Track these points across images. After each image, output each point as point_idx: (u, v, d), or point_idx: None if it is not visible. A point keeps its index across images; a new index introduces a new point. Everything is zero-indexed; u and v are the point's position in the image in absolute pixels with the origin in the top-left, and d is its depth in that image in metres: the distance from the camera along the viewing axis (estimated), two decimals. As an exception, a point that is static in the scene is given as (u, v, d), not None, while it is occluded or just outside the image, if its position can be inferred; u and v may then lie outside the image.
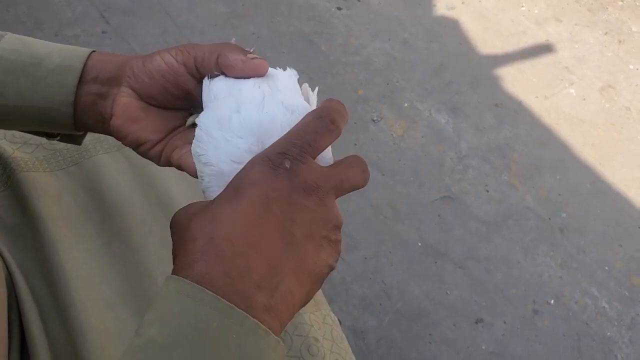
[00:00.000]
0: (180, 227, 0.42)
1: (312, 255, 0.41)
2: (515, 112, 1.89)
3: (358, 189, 0.45)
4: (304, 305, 0.42)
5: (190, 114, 0.53)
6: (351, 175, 0.44)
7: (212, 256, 0.38)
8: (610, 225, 1.67)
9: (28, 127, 0.55)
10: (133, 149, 0.54)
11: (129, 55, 0.53)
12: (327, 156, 0.45)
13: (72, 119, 0.52)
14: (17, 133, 0.75)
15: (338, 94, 1.88)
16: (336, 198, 0.43)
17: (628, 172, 1.77)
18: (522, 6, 2.19)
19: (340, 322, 1.46)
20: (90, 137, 0.77)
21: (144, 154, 0.54)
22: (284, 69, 0.50)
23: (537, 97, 1.93)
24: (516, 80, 1.97)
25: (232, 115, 0.45)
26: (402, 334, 1.47)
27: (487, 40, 2.09)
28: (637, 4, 2.21)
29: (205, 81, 0.49)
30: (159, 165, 0.54)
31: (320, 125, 0.43)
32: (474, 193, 1.71)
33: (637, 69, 2.02)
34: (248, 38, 2.01)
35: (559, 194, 1.72)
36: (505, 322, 1.49)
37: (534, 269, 1.58)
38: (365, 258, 1.57)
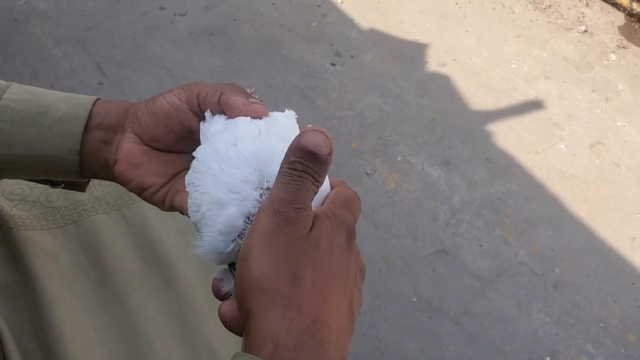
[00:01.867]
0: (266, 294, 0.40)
1: (355, 299, 0.45)
2: (507, 167, 1.92)
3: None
4: None
5: (194, 158, 0.51)
6: (355, 207, 0.48)
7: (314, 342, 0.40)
8: (604, 280, 1.67)
9: (34, 176, 0.56)
10: (137, 195, 0.54)
11: (130, 101, 0.56)
12: (325, 187, 0.47)
13: (78, 166, 0.53)
14: (15, 189, 0.74)
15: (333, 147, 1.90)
16: None
17: (619, 227, 1.78)
18: (512, 64, 2.24)
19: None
20: (88, 196, 0.77)
21: (148, 199, 0.54)
22: (283, 111, 0.53)
23: (528, 152, 1.96)
24: (507, 136, 2.00)
25: (229, 148, 0.46)
26: (397, 391, 1.44)
27: (478, 96, 2.13)
28: (622, 63, 2.27)
29: (202, 125, 0.51)
30: (163, 210, 0.54)
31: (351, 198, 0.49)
32: (468, 247, 1.71)
33: (625, 126, 2.06)
34: (243, 91, 2.03)
35: (552, 249, 1.72)
36: (501, 380, 1.47)
37: (528, 325, 1.57)
38: (360, 313, 1.55)
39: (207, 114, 0.50)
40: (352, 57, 2.21)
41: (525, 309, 1.60)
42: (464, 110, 2.08)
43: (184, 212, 0.51)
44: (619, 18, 2.41)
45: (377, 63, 2.20)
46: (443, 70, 2.20)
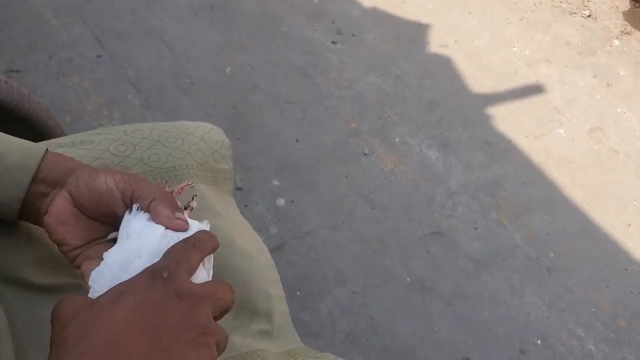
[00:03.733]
0: (60, 323, 0.45)
1: (179, 356, 0.44)
2: (505, 150, 1.91)
3: (230, 306, 0.50)
4: None
5: (113, 231, 0.59)
6: (219, 289, 0.50)
7: (76, 355, 0.41)
8: (598, 266, 1.67)
9: None
10: (56, 245, 0.58)
11: (78, 161, 0.61)
12: (201, 275, 0.52)
13: (18, 212, 0.59)
14: None
15: (331, 126, 1.89)
16: (214, 314, 0.48)
17: (615, 214, 1.79)
18: (514, 47, 2.22)
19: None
20: None
21: (63, 253, 0.58)
22: (202, 221, 0.58)
23: (526, 136, 1.95)
24: (506, 119, 1.99)
25: (135, 260, 0.51)
26: (388, 370, 1.45)
27: (478, 78, 2.11)
28: (625, 49, 2.25)
29: (126, 216, 0.56)
30: (72, 266, 0.58)
31: (186, 246, 0.51)
32: (463, 230, 1.71)
33: (625, 113, 2.05)
34: (243, 68, 2.02)
35: (547, 234, 1.72)
36: (492, 362, 1.48)
37: (521, 308, 1.58)
38: (353, 292, 1.56)
39: (134, 206, 0.56)
40: (353, 35, 2.19)
41: (518, 292, 1.61)
42: (463, 93, 2.07)
43: (83, 279, 0.55)
44: (624, 3, 2.39)
45: (378, 42, 2.18)
46: (444, 51, 2.18)
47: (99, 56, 1.99)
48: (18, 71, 1.91)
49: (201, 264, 0.52)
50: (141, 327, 0.43)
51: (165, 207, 0.55)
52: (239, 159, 1.76)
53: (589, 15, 2.36)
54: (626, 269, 1.68)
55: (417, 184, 1.80)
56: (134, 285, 0.46)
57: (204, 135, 0.87)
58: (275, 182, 1.75)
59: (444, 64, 2.15)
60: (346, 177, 1.78)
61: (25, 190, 0.57)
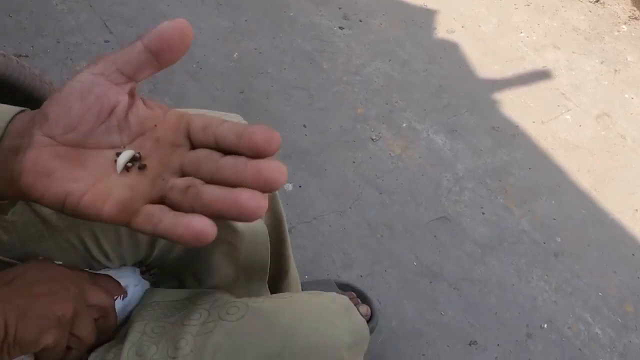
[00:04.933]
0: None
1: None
2: (512, 136, 1.91)
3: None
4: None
5: (118, 154, 0.45)
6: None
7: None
8: (605, 251, 1.68)
9: None
10: (61, 211, 0.43)
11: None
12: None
13: None
14: None
15: (338, 111, 1.89)
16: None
17: (622, 199, 1.79)
18: (521, 32, 2.22)
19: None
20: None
21: (76, 212, 0.43)
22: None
23: (534, 122, 1.95)
24: (514, 105, 1.99)
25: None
26: (395, 354, 1.46)
27: (485, 64, 2.11)
28: (633, 34, 2.25)
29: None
30: (101, 219, 0.43)
31: None
32: (470, 215, 1.72)
33: (632, 98, 2.05)
34: (250, 53, 2.02)
35: (554, 219, 1.73)
36: (498, 345, 1.49)
37: (528, 293, 1.59)
38: (361, 276, 1.57)
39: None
40: (360, 21, 2.19)
41: (524, 277, 1.61)
42: (470, 78, 2.07)
43: (141, 228, 0.42)
44: (632, -12, 2.38)
45: (385, 28, 2.18)
46: (451, 37, 2.18)
47: (106, 41, 1.99)
48: (26, 56, 1.92)
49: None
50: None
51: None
52: (247, 144, 1.77)
53: (597, 1, 2.35)
54: (633, 254, 1.68)
55: (424, 169, 1.80)
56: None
57: None
58: (283, 167, 1.76)
59: (451, 50, 2.14)
60: (353, 162, 1.78)
61: None
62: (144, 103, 0.46)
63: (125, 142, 0.45)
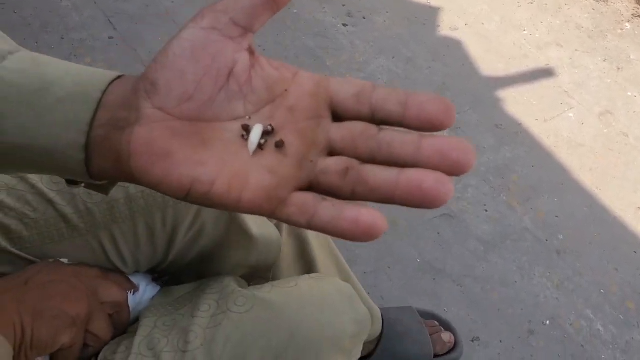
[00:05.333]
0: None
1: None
2: (515, 133, 1.92)
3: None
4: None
5: (246, 129, 0.37)
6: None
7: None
8: (607, 249, 1.69)
9: (36, 172, 0.42)
10: (184, 199, 0.36)
11: None
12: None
13: (84, 165, 0.38)
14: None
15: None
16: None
17: (625, 197, 1.80)
18: (524, 30, 2.22)
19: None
20: (123, 195, 0.72)
21: (205, 200, 0.36)
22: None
23: (537, 119, 1.96)
24: (517, 102, 2.00)
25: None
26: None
27: (488, 61, 2.11)
28: (636, 32, 2.25)
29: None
30: (240, 209, 0.36)
31: None
32: (473, 212, 1.73)
33: (635, 97, 2.05)
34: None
35: (557, 216, 1.74)
36: (501, 342, 1.50)
37: (530, 290, 1.59)
38: (365, 272, 1.58)
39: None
40: (364, 18, 2.19)
41: (527, 274, 1.62)
42: (474, 76, 2.07)
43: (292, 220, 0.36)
44: (635, -14, 2.38)
45: (389, 25, 2.18)
46: (454, 34, 2.18)
47: (110, 37, 1.99)
48: (31, 52, 1.92)
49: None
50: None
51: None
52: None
53: (600, -1, 2.35)
54: (635, 252, 1.69)
55: (427, 167, 1.81)
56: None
57: None
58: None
59: (455, 47, 2.15)
60: (357, 159, 1.79)
61: (85, 132, 0.37)
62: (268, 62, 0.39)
63: (251, 111, 0.37)
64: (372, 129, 0.35)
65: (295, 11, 2.17)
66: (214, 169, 0.35)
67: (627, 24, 2.27)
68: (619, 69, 2.13)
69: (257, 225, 0.81)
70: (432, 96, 0.34)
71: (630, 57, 2.16)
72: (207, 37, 0.36)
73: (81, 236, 0.71)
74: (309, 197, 0.35)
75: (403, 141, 0.34)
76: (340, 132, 0.36)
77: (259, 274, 0.88)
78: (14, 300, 0.59)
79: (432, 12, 2.25)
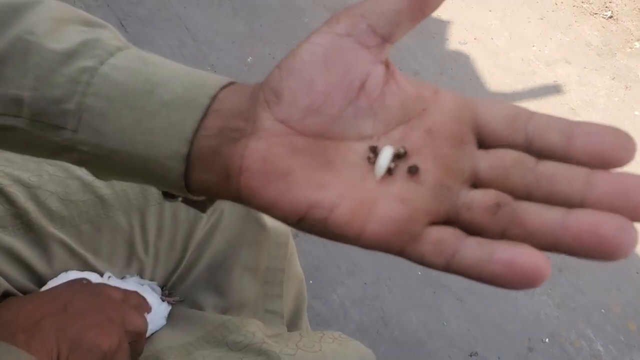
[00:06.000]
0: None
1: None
2: (521, 149, 1.92)
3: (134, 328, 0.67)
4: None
5: (374, 151, 0.32)
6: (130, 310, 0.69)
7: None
8: (609, 268, 1.68)
9: (133, 181, 0.39)
10: (296, 226, 0.32)
11: None
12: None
13: (183, 179, 0.34)
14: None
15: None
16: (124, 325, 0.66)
17: (629, 217, 1.79)
18: (533, 46, 2.22)
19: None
20: (109, 191, 0.71)
21: (322, 229, 0.31)
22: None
23: (543, 136, 1.96)
24: (523, 118, 2.00)
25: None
26: (397, 362, 1.47)
27: (496, 77, 2.12)
28: (645, 52, 2.25)
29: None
30: (361, 242, 0.31)
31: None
32: (476, 227, 1.73)
33: (642, 116, 2.05)
34: (264, 58, 2.03)
35: (560, 234, 1.73)
36: (499, 358, 1.50)
37: (531, 307, 1.59)
38: (365, 284, 1.58)
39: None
40: (373, 29, 2.20)
41: (528, 291, 1.62)
42: (481, 91, 2.08)
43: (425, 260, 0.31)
44: (646, 6, 2.38)
45: (398, 37, 2.19)
46: (463, 48, 2.19)
47: (121, 41, 2.01)
48: (42, 53, 1.94)
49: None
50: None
51: None
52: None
53: (611, 17, 2.36)
54: (638, 273, 1.68)
55: (432, 180, 1.81)
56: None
57: None
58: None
59: (463, 61, 2.15)
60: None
61: (188, 141, 0.33)
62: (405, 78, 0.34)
63: (380, 131, 0.32)
64: (529, 159, 0.30)
65: (306, 20, 2.18)
66: (336, 193, 0.31)
67: (636, 43, 2.27)
68: (627, 87, 2.13)
69: (268, 217, 0.80)
70: (603, 126, 0.29)
71: (638, 75, 2.16)
72: (342, 44, 0.32)
73: (115, 216, 0.71)
74: (447, 233, 0.30)
75: (569, 176, 0.28)
76: (489, 161, 0.30)
77: (271, 292, 0.87)
78: (54, 328, 0.58)
79: (441, 25, 2.25)
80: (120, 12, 2.09)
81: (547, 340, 1.54)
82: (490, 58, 2.18)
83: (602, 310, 1.60)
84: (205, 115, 0.33)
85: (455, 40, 2.21)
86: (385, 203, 0.30)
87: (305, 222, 0.31)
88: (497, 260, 0.28)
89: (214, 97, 0.34)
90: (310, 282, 1.56)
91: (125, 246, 0.74)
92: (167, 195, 0.40)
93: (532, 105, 2.05)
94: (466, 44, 2.21)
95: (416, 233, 0.30)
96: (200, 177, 0.34)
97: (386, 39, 0.33)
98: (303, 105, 0.31)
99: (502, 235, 0.29)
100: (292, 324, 0.92)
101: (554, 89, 2.12)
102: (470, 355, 1.50)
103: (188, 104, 0.33)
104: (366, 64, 0.32)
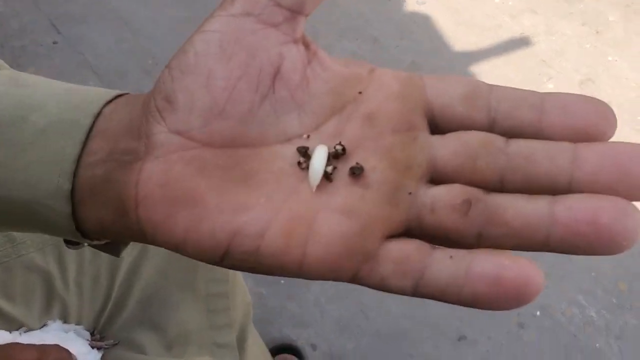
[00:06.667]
0: None
1: None
2: (492, 111, 1.81)
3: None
4: None
5: (304, 153, 0.25)
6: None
7: None
8: (595, 228, 1.60)
9: (17, 230, 0.31)
10: (220, 264, 0.25)
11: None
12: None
13: (71, 219, 0.27)
14: None
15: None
16: None
17: (611, 170, 1.70)
18: (496, -2, 2.10)
19: (315, 348, 1.38)
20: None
21: (253, 261, 0.24)
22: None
23: (514, 94, 1.86)
24: (492, 76, 1.89)
25: None
26: (382, 355, 1.39)
27: (460, 35, 2.00)
28: (614, -9, 2.14)
29: None
30: (304, 273, 0.24)
31: None
32: (452, 200, 1.63)
33: (616, 61, 1.94)
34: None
35: (541, 197, 1.64)
36: (489, 338, 1.41)
37: (517, 279, 1.51)
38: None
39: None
40: (325, -1, 2.07)
41: (513, 262, 1.53)
42: (445, 51, 1.96)
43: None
44: (610, -58, 2.26)
45: (350, 4, 2.06)
46: (422, 8, 2.06)
47: (55, 42, 1.86)
48: (-30, 66, 1.80)
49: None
50: None
51: None
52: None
53: (574, -42, 2.23)
54: (625, 229, 1.60)
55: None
56: None
57: None
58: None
59: (423, 23, 2.03)
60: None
61: (70, 173, 0.26)
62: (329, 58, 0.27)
63: (309, 126, 0.26)
64: (497, 140, 0.23)
65: (252, -3, 2.05)
66: (263, 215, 0.24)
67: (603, -17, 2.15)
68: (597, 32, 2.02)
69: None
70: (578, 96, 0.24)
71: (609, 18, 2.05)
72: (241, 26, 0.25)
73: (27, 254, 0.62)
74: (410, 247, 0.23)
75: (551, 152, 0.23)
76: (448, 147, 0.24)
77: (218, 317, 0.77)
78: None
79: (398, -13, 2.13)
80: (51, 12, 1.94)
81: (538, 313, 1.46)
82: (452, 16, 2.05)
83: (592, 274, 1.51)
84: (88, 137, 0.26)
85: (413, 0, 2.09)
86: (327, 218, 0.24)
87: (231, 258, 0.24)
88: (477, 276, 0.22)
89: (98, 115, 0.27)
90: (282, 282, 1.46)
91: (43, 286, 0.64)
92: (69, 242, 0.31)
93: (501, 61, 1.93)
94: (425, 3, 2.08)
95: (371, 251, 0.23)
96: (93, 216, 0.26)
97: (296, 11, 0.25)
98: (203, 108, 0.24)
99: (479, 239, 0.23)
100: (242, 339, 0.82)
101: (522, 42, 2.00)
102: (459, 340, 1.41)
103: (68, 128, 0.26)
104: (275, 45, 0.25)
